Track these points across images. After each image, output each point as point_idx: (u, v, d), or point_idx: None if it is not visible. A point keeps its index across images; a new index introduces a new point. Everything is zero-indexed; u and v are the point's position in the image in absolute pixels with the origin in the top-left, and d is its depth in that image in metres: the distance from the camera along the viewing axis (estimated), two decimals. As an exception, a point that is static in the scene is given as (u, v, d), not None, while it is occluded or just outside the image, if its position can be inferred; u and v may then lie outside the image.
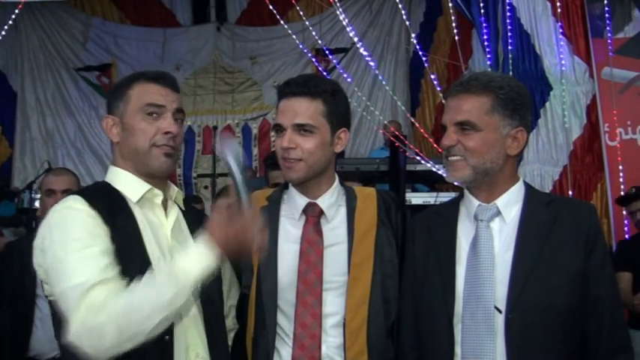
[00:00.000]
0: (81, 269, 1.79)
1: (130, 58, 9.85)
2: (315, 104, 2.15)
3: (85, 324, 1.73)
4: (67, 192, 3.54)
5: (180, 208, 2.15)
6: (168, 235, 2.04)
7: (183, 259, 1.80)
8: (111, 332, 1.71)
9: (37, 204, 5.89)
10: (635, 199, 5.03)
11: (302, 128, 2.14)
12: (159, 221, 2.05)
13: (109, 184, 2.06)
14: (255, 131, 9.88)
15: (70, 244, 1.84)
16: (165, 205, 2.09)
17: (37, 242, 1.96)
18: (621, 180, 5.86)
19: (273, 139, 9.76)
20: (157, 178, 2.06)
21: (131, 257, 1.89)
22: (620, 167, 5.90)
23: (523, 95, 2.06)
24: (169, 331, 1.88)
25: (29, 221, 6.14)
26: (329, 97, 2.17)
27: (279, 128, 2.18)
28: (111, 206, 1.96)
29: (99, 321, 1.72)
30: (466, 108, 2.01)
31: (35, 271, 3.42)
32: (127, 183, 2.04)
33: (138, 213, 1.99)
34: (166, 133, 2.01)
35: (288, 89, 2.18)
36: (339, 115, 2.21)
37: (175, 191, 2.14)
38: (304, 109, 2.14)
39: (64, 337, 1.76)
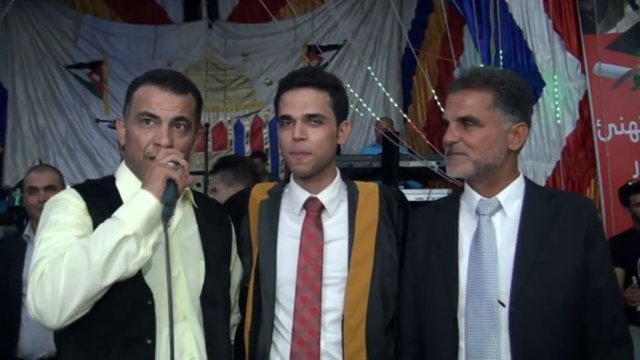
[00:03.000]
0: (43, 247, 1.80)
1: (121, 55, 9.79)
2: (323, 95, 2.16)
3: (34, 284, 1.73)
4: (50, 189, 3.52)
5: (194, 206, 2.13)
6: (169, 237, 1.95)
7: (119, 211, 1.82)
8: (58, 278, 1.71)
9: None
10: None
11: (312, 119, 2.14)
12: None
13: (113, 182, 2.05)
14: (247, 128, 9.84)
15: (46, 227, 1.85)
16: None
17: None
18: (609, 176, 5.87)
19: (265, 135, 9.74)
20: None
21: None
22: (609, 163, 5.91)
23: (524, 90, 2.08)
24: (151, 336, 1.87)
25: (20, 219, 6.11)
26: (333, 89, 2.19)
27: (287, 120, 2.16)
28: (108, 203, 1.92)
29: (46, 272, 1.73)
30: (468, 103, 2.02)
31: (19, 272, 3.44)
32: (128, 185, 2.00)
33: None
34: (157, 145, 1.94)
35: (297, 80, 2.17)
36: (343, 107, 2.23)
37: (183, 191, 2.05)
38: (313, 100, 2.14)
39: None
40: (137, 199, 1.81)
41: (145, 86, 1.99)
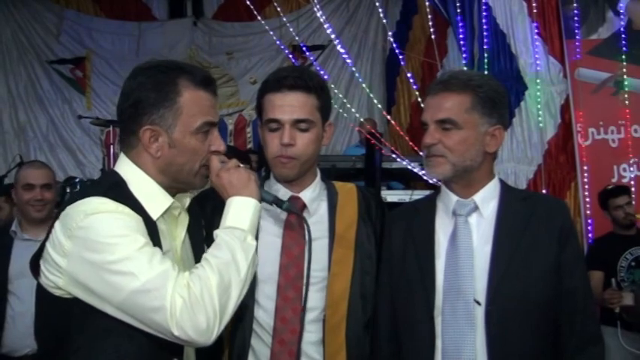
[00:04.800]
0: (154, 262, 1.64)
1: (105, 51, 9.73)
2: (311, 99, 2.12)
3: (185, 303, 1.60)
4: (46, 187, 3.49)
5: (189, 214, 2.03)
6: (178, 247, 1.92)
7: (227, 220, 1.79)
8: (213, 295, 1.62)
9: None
10: (622, 193, 5.10)
11: (301, 124, 2.10)
12: (171, 232, 1.91)
13: (125, 186, 1.81)
14: (230, 127, 9.80)
15: (130, 245, 1.64)
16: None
17: (59, 245, 1.68)
18: (586, 180, 5.94)
19: (249, 135, 9.72)
20: (185, 191, 1.95)
21: None
22: (585, 167, 5.98)
23: (501, 94, 2.11)
24: (179, 353, 1.83)
25: (-1, 215, 6.04)
26: (320, 90, 2.15)
27: (275, 124, 2.11)
28: (140, 212, 1.78)
29: (196, 290, 1.61)
30: (447, 106, 2.05)
31: (5, 268, 3.38)
32: (149, 194, 1.83)
33: (160, 223, 1.85)
34: (215, 152, 1.88)
35: (285, 82, 2.10)
36: (327, 109, 2.20)
37: (188, 199, 2.01)
38: (302, 104, 2.10)
39: (166, 333, 1.63)
40: (245, 207, 1.80)
41: (193, 89, 1.82)
